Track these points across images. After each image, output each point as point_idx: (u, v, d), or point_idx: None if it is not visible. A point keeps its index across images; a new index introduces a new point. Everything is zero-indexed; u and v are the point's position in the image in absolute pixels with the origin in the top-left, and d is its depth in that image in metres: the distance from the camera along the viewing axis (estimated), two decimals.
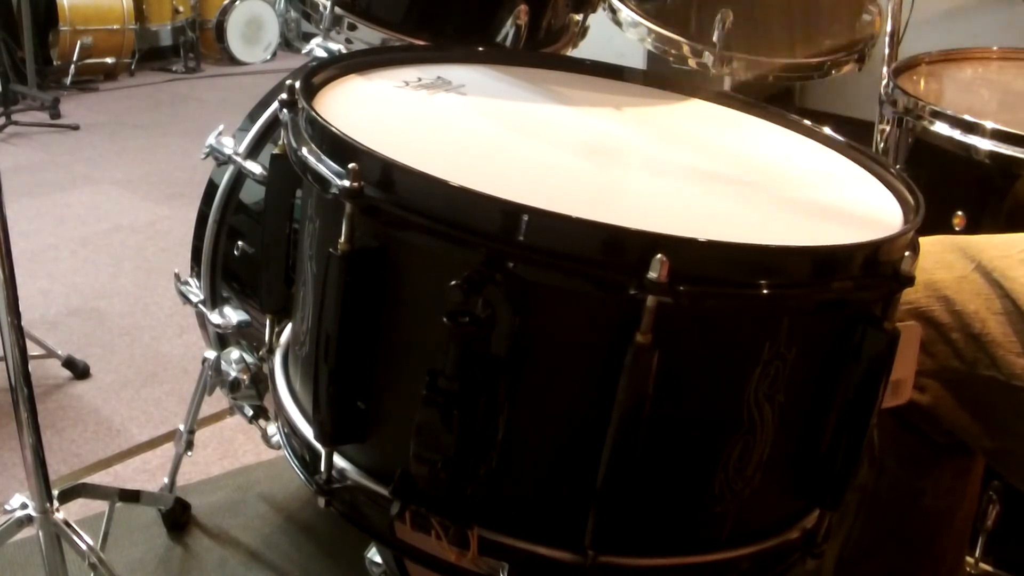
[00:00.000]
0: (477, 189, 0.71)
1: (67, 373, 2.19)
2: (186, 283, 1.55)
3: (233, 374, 1.47)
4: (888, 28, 1.67)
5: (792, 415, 0.78)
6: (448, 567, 0.79)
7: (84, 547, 1.36)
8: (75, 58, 4.58)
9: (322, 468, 0.83)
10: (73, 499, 1.49)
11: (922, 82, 1.64)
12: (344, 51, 1.37)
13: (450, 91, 1.03)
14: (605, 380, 0.71)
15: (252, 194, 1.45)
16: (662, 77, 1.19)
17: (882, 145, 1.55)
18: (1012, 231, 1.10)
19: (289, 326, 0.99)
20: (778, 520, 0.85)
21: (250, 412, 1.54)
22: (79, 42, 4.56)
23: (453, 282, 0.69)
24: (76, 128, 4.05)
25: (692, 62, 1.61)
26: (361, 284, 0.77)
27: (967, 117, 1.36)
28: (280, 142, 0.90)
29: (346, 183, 0.73)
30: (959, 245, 1.06)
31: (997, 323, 0.99)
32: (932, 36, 1.64)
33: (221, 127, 1.48)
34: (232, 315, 1.48)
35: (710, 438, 0.76)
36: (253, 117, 1.49)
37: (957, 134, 1.37)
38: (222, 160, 1.46)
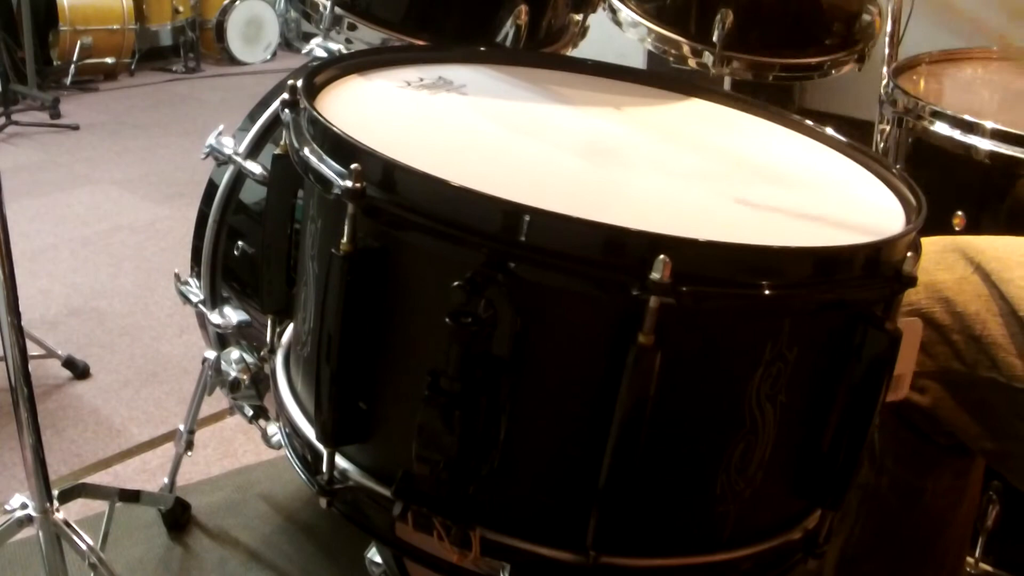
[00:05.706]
0: (479, 189, 0.71)
1: (67, 373, 2.19)
2: (186, 283, 1.55)
3: (233, 374, 1.47)
4: (888, 28, 1.67)
5: (794, 415, 0.78)
6: (449, 567, 0.79)
7: (84, 547, 1.36)
8: (75, 58, 4.57)
9: (324, 468, 0.83)
10: (73, 499, 1.49)
11: (922, 82, 1.64)
12: (344, 51, 1.37)
13: (451, 91, 1.03)
14: (607, 381, 0.71)
15: (252, 194, 1.45)
16: (662, 77, 1.19)
17: (882, 145, 1.55)
18: (1012, 231, 1.10)
19: (290, 326, 0.99)
20: (780, 520, 0.85)
21: (250, 412, 1.54)
22: (79, 42, 4.56)
23: (455, 283, 0.69)
24: (76, 128, 4.05)
25: (692, 62, 1.61)
26: (363, 285, 0.76)
27: (967, 117, 1.36)
28: (282, 142, 0.90)
29: (348, 183, 0.73)
30: (959, 246, 1.06)
31: (997, 325, 0.99)
32: (932, 36, 1.64)
33: (221, 127, 1.48)
34: (232, 315, 1.49)
35: (712, 438, 0.76)
36: (253, 117, 1.49)
37: (957, 134, 1.37)
38: (222, 160, 1.46)
